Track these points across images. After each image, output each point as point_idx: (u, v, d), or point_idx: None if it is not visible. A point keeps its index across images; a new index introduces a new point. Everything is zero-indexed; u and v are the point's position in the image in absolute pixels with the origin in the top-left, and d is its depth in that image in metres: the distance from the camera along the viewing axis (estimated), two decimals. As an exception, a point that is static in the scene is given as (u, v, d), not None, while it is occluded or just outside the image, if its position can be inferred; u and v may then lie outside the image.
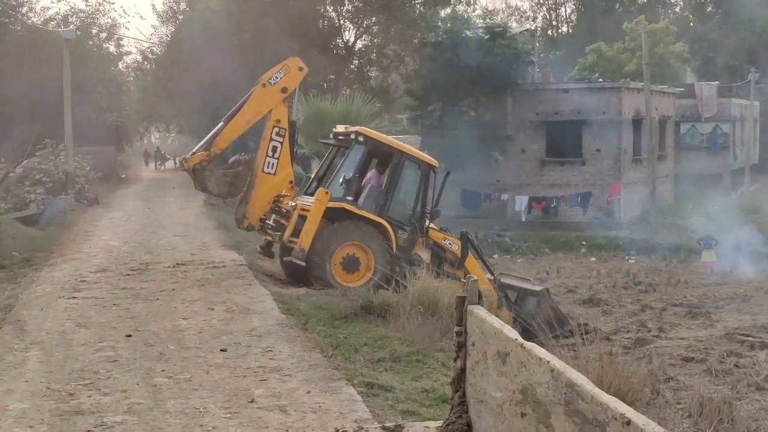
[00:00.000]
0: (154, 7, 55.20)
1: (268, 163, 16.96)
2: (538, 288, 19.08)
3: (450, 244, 17.19)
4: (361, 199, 16.33)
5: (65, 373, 9.10)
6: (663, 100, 45.92)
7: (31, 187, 29.51)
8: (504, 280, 18.80)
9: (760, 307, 23.34)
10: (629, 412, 3.16)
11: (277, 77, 17.11)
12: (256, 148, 17.55)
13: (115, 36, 49.20)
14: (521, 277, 21.08)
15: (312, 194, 16.51)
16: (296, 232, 15.85)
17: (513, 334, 4.26)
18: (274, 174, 16.99)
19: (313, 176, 18.33)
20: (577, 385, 3.60)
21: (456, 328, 5.08)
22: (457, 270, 16.99)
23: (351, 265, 15.82)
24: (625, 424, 3.08)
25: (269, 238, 17.21)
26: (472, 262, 17.60)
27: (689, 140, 49.93)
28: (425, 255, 16.64)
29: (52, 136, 33.13)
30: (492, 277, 18.16)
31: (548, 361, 3.82)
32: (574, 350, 10.92)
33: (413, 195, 16.80)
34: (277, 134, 16.99)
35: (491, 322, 4.49)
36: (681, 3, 79.22)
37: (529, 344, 4.10)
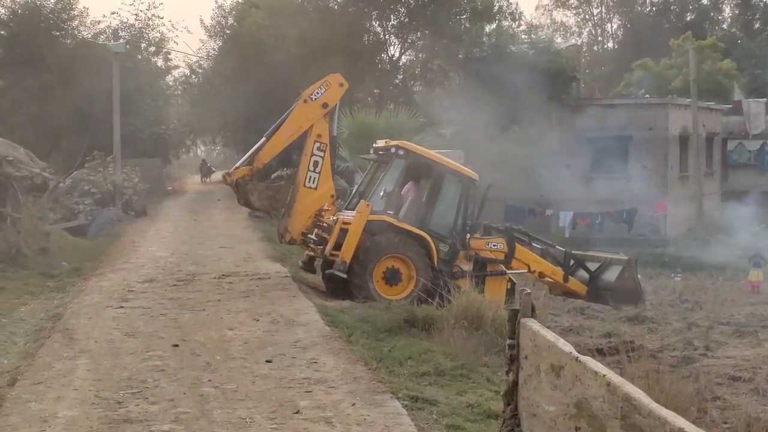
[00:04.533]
0: (202, 22, 55.98)
1: (310, 177, 17.10)
2: (625, 257, 19.38)
3: (494, 245, 17.20)
4: (401, 212, 16.38)
5: (113, 381, 9.21)
6: (710, 117, 45.41)
7: (80, 198, 29.88)
8: (591, 253, 19.72)
9: (809, 327, 22.89)
10: (688, 427, 3.13)
11: (318, 93, 17.27)
12: (299, 162, 17.69)
13: (164, 50, 49.77)
14: (612, 252, 21.15)
15: (354, 209, 16.58)
16: (338, 246, 15.94)
17: (567, 347, 4.23)
18: (316, 188, 17.13)
19: (354, 191, 18.42)
20: (634, 399, 3.56)
21: (508, 341, 5.07)
22: (506, 264, 17.13)
23: (392, 277, 15.86)
24: (683, 438, 3.06)
25: (311, 253, 17.32)
26: (523, 252, 17.64)
27: (736, 157, 49.28)
28: (467, 267, 16.67)
29: (101, 148, 33.55)
30: (556, 251, 18.54)
31: (604, 375, 3.78)
32: (620, 367, 10.83)
33: (454, 208, 16.84)
34: (319, 149, 17.14)
35: (545, 335, 4.46)
36: (729, 19, 78.43)
37: (584, 357, 4.07)
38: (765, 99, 51.04)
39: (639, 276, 19.74)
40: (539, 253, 18.54)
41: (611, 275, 18.63)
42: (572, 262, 18.88)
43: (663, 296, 28.35)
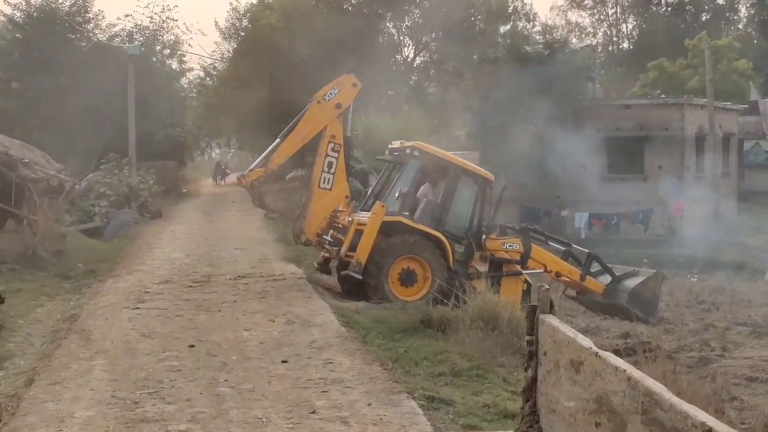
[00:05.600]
0: (216, 24, 55.92)
1: (324, 178, 17.11)
2: (653, 271, 19.81)
3: (510, 246, 17.14)
4: (417, 213, 16.35)
5: (130, 381, 9.22)
6: (726, 117, 45.21)
7: (96, 200, 29.93)
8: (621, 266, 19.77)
9: (827, 327, 22.74)
10: (710, 420, 3.10)
11: (331, 94, 17.27)
12: (313, 164, 17.70)
13: (178, 52, 49.89)
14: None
15: (369, 210, 16.56)
16: (353, 247, 15.93)
17: (587, 342, 4.20)
18: (331, 189, 17.12)
19: (369, 192, 18.41)
20: (655, 393, 3.53)
21: (527, 338, 5.04)
22: (522, 264, 17.09)
23: (408, 278, 15.83)
24: (705, 432, 3.03)
25: (326, 255, 17.32)
26: (539, 252, 17.59)
27: (753, 158, 49.08)
28: (483, 268, 16.62)
29: (116, 151, 33.60)
30: (579, 251, 18.78)
31: (625, 370, 3.76)
32: (637, 368, 10.75)
33: (469, 209, 16.80)
34: (333, 150, 17.15)
35: (564, 331, 4.43)
36: (744, 19, 78.13)
37: (604, 353, 4.04)
38: (781, 99, 50.81)
39: (660, 292, 19.53)
40: (561, 256, 18.48)
41: (632, 283, 18.64)
42: (597, 266, 18.84)
43: (679, 297, 28.21)
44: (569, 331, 4.44)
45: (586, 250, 19.10)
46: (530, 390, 5.04)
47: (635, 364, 10.76)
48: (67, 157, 35.52)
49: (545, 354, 4.75)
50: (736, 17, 78.11)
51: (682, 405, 3.35)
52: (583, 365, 4.14)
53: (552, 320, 4.65)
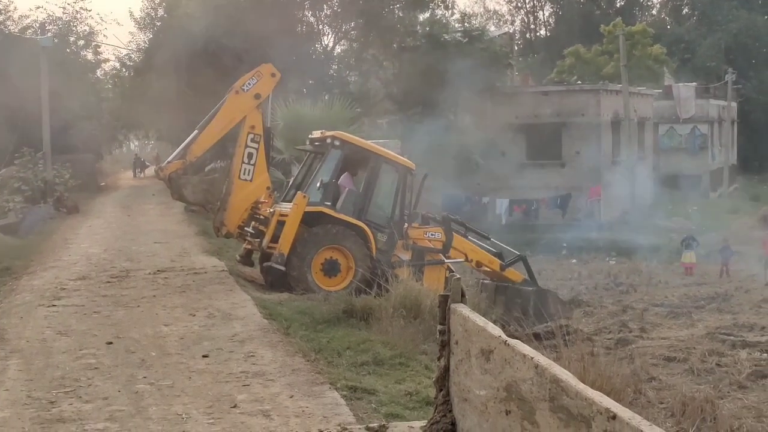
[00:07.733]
0: (131, 14, 54.74)
1: (245, 169, 16.98)
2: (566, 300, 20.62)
3: (432, 234, 17.26)
4: (339, 203, 16.35)
5: (46, 381, 9.03)
6: (641, 102, 46.15)
7: (10, 195, 29.26)
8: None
9: (740, 306, 23.46)
10: (614, 407, 3.15)
11: (249, 84, 17.13)
12: (233, 155, 17.55)
13: (93, 43, 48.92)
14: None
15: (291, 200, 16.50)
16: (275, 238, 15.87)
17: (496, 331, 4.24)
18: (251, 180, 17.01)
19: (291, 183, 18.32)
20: (561, 380, 3.58)
21: (439, 327, 5.06)
22: (445, 253, 17.18)
23: (331, 268, 15.83)
24: (610, 418, 3.07)
25: (249, 246, 17.21)
26: (461, 241, 17.70)
27: (668, 141, 50.23)
28: (405, 257, 16.70)
29: (31, 145, 32.88)
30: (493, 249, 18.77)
31: (532, 358, 3.80)
32: (557, 351, 10.94)
33: (391, 198, 16.86)
34: (253, 140, 17.02)
35: (474, 320, 4.47)
36: (658, 5, 79.78)
37: (512, 341, 4.08)
38: (694, 83, 52.08)
39: (565, 316, 19.60)
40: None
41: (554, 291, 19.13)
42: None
43: (598, 280, 28.79)
44: (479, 319, 4.47)
45: (517, 252, 19.27)
46: (443, 379, 5.07)
47: (555, 347, 10.96)
48: (-22, 152, 34.61)
49: (457, 343, 4.78)
50: (649, 3, 79.76)
51: (587, 391, 3.40)
52: (493, 353, 4.17)
53: (463, 309, 4.68)
